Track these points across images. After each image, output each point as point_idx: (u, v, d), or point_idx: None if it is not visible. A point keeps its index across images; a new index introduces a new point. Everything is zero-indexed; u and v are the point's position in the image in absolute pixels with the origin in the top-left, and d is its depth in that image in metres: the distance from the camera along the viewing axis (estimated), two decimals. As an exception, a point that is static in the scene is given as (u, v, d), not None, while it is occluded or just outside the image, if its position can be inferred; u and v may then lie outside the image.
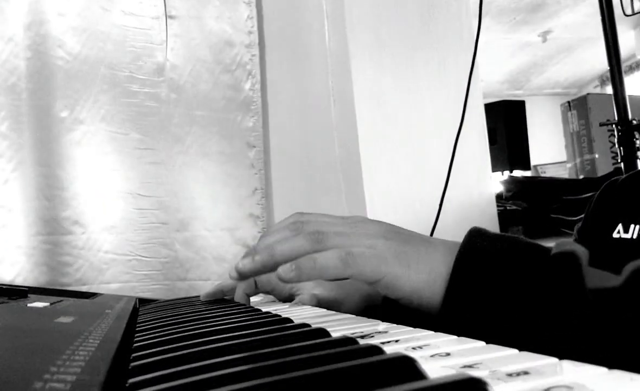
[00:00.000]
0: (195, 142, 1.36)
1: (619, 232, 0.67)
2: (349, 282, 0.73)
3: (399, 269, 0.45)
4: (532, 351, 0.28)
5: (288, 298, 0.71)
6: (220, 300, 0.77)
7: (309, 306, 0.64)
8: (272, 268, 0.46)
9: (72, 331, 0.40)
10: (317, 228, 0.48)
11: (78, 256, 1.23)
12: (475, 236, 0.45)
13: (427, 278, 0.45)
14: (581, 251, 0.42)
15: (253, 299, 0.75)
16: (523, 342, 0.40)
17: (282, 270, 0.44)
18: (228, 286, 0.75)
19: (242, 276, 0.48)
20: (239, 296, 0.71)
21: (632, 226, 0.65)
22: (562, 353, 0.35)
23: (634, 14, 0.80)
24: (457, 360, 0.27)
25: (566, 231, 1.59)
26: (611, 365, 0.23)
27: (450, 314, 0.43)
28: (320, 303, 0.67)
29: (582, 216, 0.78)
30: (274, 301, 0.75)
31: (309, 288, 0.69)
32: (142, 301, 0.88)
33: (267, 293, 0.74)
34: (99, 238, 1.25)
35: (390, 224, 0.50)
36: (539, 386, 0.21)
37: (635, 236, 0.64)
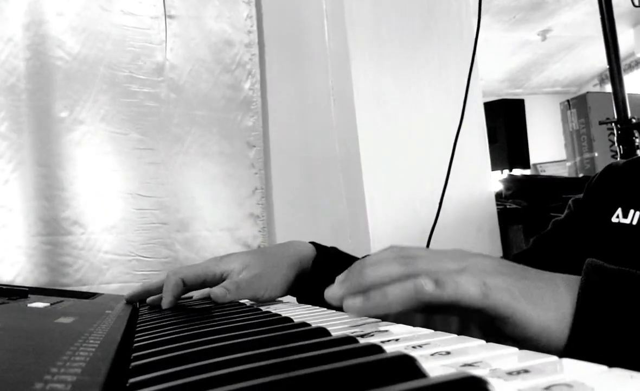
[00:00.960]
0: (195, 142, 1.36)
1: (618, 216, 0.67)
2: (276, 252, 0.73)
3: (527, 306, 0.42)
4: None
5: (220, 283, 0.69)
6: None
7: (309, 306, 0.64)
8: (382, 312, 0.43)
9: (72, 332, 0.40)
10: (429, 266, 0.44)
11: (78, 256, 1.23)
12: (593, 271, 0.43)
13: (555, 315, 0.42)
14: None
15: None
16: None
17: (425, 282, 0.41)
18: (154, 284, 0.72)
19: (348, 309, 0.44)
20: (167, 303, 0.67)
21: (631, 211, 0.65)
22: None
23: (643, 4, 0.80)
24: (458, 359, 0.27)
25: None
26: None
27: (577, 353, 0.43)
28: (241, 286, 0.67)
29: (579, 196, 0.77)
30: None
31: (236, 272, 0.68)
32: (143, 302, 0.88)
33: (199, 286, 0.71)
34: (99, 238, 1.25)
35: (496, 258, 0.47)
36: (539, 384, 0.21)
37: (635, 222, 0.64)
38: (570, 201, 0.79)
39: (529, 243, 0.78)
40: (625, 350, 0.39)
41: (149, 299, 0.74)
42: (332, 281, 0.45)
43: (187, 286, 0.69)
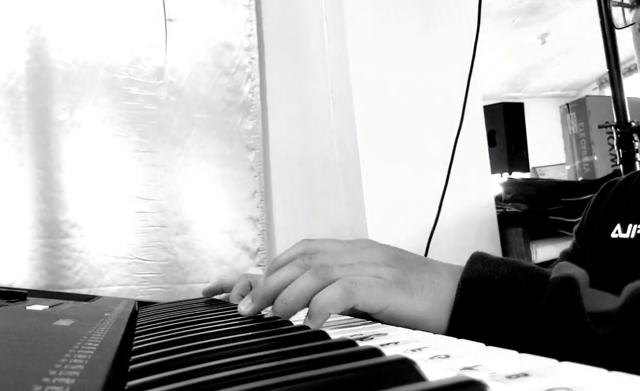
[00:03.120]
0: (195, 145, 1.36)
1: (617, 232, 0.67)
2: None
3: (403, 298, 0.45)
4: None
5: None
6: (219, 302, 0.77)
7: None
8: (288, 312, 0.49)
9: (71, 334, 0.40)
10: (323, 261, 0.49)
11: (77, 259, 1.22)
12: (477, 261, 0.46)
13: (431, 304, 0.45)
14: (580, 274, 0.42)
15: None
16: None
17: (305, 321, 0.46)
18: (227, 283, 0.77)
19: (252, 313, 0.51)
20: (234, 298, 0.73)
21: (630, 225, 0.66)
22: None
23: (626, 26, 0.80)
24: (457, 362, 0.27)
25: (565, 233, 1.59)
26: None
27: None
28: None
29: (580, 218, 0.78)
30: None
31: None
32: (142, 304, 0.88)
33: None
34: (98, 241, 1.25)
35: (396, 248, 0.51)
36: (539, 388, 0.21)
37: (633, 236, 0.64)
38: (573, 230, 0.80)
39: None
40: (501, 339, 0.40)
41: (220, 296, 0.81)
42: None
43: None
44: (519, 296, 0.42)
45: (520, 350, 0.40)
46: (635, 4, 0.74)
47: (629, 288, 0.40)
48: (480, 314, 0.43)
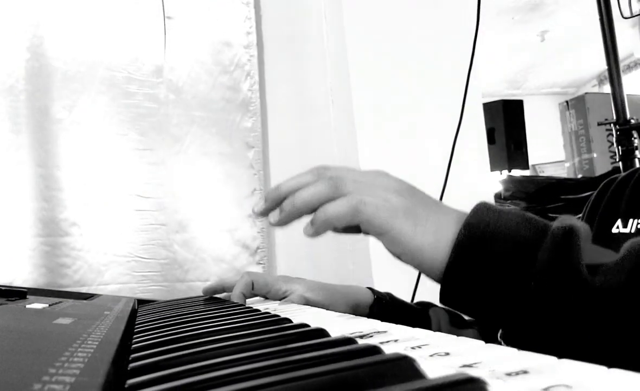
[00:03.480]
0: (194, 143, 1.36)
1: (618, 227, 0.67)
2: (337, 290, 0.75)
3: (406, 225, 0.46)
4: (525, 327, 0.28)
5: (281, 299, 0.73)
6: (219, 300, 0.77)
7: (307, 307, 0.64)
8: (296, 215, 0.50)
9: (71, 333, 0.40)
10: (336, 173, 0.50)
11: (77, 257, 1.22)
12: (482, 208, 0.45)
13: (431, 239, 0.45)
14: (582, 227, 0.42)
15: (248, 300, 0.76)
16: (516, 317, 0.40)
17: (304, 230, 0.48)
18: (229, 282, 0.78)
19: (262, 215, 0.53)
20: (236, 296, 0.73)
21: (630, 220, 0.66)
22: (555, 333, 0.35)
23: (632, 16, 0.80)
24: (457, 360, 0.27)
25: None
26: (610, 361, 0.23)
27: (450, 283, 0.44)
28: (309, 302, 0.70)
29: (581, 215, 0.78)
30: (266, 301, 0.76)
31: (300, 291, 0.71)
32: (141, 302, 0.88)
33: (262, 295, 0.76)
34: (97, 240, 1.25)
35: (409, 184, 0.52)
36: (538, 385, 0.21)
37: (634, 230, 0.65)
38: None
39: None
40: (497, 287, 0.42)
41: (222, 295, 0.81)
42: None
43: (255, 290, 0.76)
44: (521, 246, 0.42)
45: (517, 297, 0.41)
46: None
47: (627, 244, 0.40)
48: (478, 261, 0.43)
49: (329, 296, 0.73)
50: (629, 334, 0.36)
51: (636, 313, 0.36)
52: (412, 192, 0.50)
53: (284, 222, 0.51)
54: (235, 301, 0.73)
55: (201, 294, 0.84)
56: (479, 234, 0.43)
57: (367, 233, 0.48)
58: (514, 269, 0.41)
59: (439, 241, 0.45)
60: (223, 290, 0.80)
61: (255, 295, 0.77)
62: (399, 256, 0.47)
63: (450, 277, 0.44)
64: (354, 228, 0.49)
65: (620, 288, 0.37)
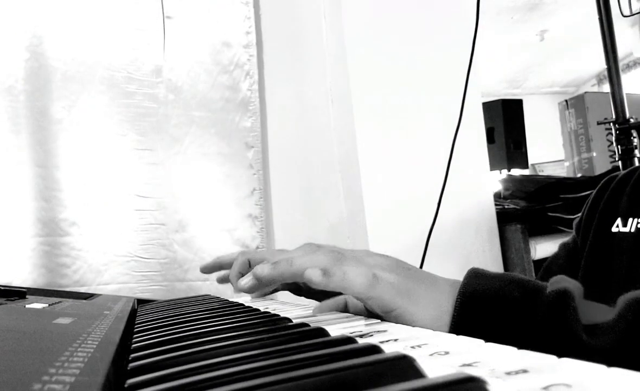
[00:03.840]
0: (194, 143, 1.36)
1: (617, 226, 0.67)
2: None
3: (409, 304, 0.46)
4: None
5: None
6: (218, 300, 0.77)
7: (307, 306, 0.64)
8: (289, 277, 0.48)
9: (70, 332, 0.40)
10: (334, 248, 0.50)
11: (76, 257, 1.22)
12: (472, 276, 0.47)
13: (433, 314, 0.46)
14: (575, 287, 0.43)
15: (246, 298, 0.76)
16: None
17: (312, 273, 0.45)
18: (226, 259, 0.77)
19: (260, 281, 0.50)
20: (233, 276, 0.72)
21: (630, 220, 0.66)
22: None
23: (632, 14, 0.80)
24: (456, 359, 0.27)
25: (564, 229, 1.59)
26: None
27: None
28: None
29: (580, 214, 0.78)
30: (266, 299, 0.76)
31: None
32: (141, 302, 0.88)
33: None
34: (97, 239, 1.25)
35: (395, 258, 0.52)
36: (538, 384, 0.21)
37: (633, 230, 0.65)
38: (573, 224, 0.81)
39: (540, 270, 0.80)
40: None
41: (218, 275, 0.78)
42: None
43: (252, 268, 0.73)
44: (514, 310, 0.43)
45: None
46: None
47: (623, 298, 0.41)
48: (478, 328, 0.44)
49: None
50: None
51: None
52: (407, 270, 0.50)
53: (273, 279, 0.50)
54: (232, 281, 0.71)
55: (201, 294, 0.84)
56: (472, 302, 0.45)
57: (371, 309, 0.48)
58: (510, 333, 0.42)
59: (440, 315, 0.46)
60: (221, 268, 0.79)
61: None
62: None
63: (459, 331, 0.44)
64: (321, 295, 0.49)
65: (616, 348, 0.38)
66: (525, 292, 0.44)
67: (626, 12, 0.86)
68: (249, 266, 0.74)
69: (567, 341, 0.39)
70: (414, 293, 0.47)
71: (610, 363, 0.37)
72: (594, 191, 0.77)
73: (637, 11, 0.75)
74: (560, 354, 0.39)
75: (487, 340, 0.42)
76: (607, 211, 0.71)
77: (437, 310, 0.46)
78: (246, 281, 0.51)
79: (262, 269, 0.50)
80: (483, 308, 0.44)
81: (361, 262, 0.48)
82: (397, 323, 0.46)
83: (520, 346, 0.41)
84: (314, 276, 0.45)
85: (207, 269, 0.80)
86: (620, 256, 0.65)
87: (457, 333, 0.44)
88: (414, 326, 0.46)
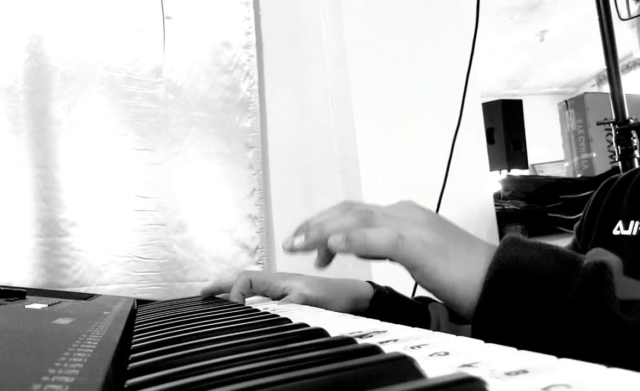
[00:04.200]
0: (193, 143, 1.36)
1: (619, 229, 0.67)
2: (336, 284, 0.75)
3: (440, 261, 0.45)
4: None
5: (280, 298, 0.73)
6: (217, 300, 0.77)
7: (306, 306, 0.64)
8: (323, 244, 0.48)
9: (70, 333, 0.40)
10: (365, 207, 0.49)
11: (76, 257, 1.22)
12: (510, 244, 0.45)
13: (464, 276, 0.45)
14: (614, 261, 0.42)
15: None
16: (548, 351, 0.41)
17: (333, 240, 0.46)
18: (226, 283, 0.77)
19: (294, 251, 0.51)
20: (234, 296, 0.73)
21: (632, 222, 0.66)
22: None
23: (630, 18, 0.80)
24: (456, 359, 0.27)
25: (564, 230, 1.59)
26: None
27: (482, 320, 0.44)
28: (308, 302, 0.69)
29: (580, 215, 0.78)
30: (265, 300, 0.76)
31: (298, 288, 0.71)
32: (141, 302, 0.88)
33: (261, 293, 0.76)
34: (97, 240, 1.25)
35: (437, 215, 0.51)
36: (538, 384, 0.21)
37: (635, 233, 0.65)
38: (574, 226, 0.80)
39: None
40: (528, 323, 0.41)
41: (220, 296, 0.80)
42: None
43: (253, 288, 0.75)
44: (550, 281, 0.42)
45: (548, 335, 0.40)
46: None
47: None
48: (510, 297, 0.43)
49: (329, 291, 0.73)
50: None
51: None
52: (443, 226, 0.49)
53: (308, 248, 0.50)
54: (233, 300, 0.73)
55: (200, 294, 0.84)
56: (507, 270, 0.43)
57: (401, 264, 0.47)
58: (544, 304, 0.41)
59: (470, 278, 0.45)
60: (220, 291, 0.80)
61: (254, 294, 0.76)
62: (431, 291, 0.47)
63: (481, 315, 0.44)
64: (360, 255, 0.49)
65: None
66: (563, 264, 0.42)
67: (624, 15, 0.86)
68: (250, 286, 0.74)
69: (600, 316, 0.39)
70: (446, 251, 0.46)
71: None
72: (595, 193, 0.77)
73: (635, 15, 0.75)
74: (591, 328, 0.38)
75: (515, 310, 0.42)
76: (608, 214, 0.70)
77: (469, 273, 0.45)
78: (289, 245, 0.51)
79: (296, 241, 0.50)
80: (517, 279, 0.43)
81: (389, 220, 0.47)
82: (424, 281, 0.46)
83: (551, 320, 0.40)
84: (336, 244, 0.46)
85: (208, 293, 0.81)
86: (622, 258, 0.65)
87: (487, 301, 0.43)
88: (441, 285, 0.45)
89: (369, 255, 0.47)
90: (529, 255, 0.43)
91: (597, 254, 0.43)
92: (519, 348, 0.32)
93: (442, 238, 0.47)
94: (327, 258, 0.54)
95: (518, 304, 0.42)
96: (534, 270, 0.42)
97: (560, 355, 0.25)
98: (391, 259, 0.47)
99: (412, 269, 0.46)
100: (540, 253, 0.44)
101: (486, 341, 0.44)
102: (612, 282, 0.40)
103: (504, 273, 0.43)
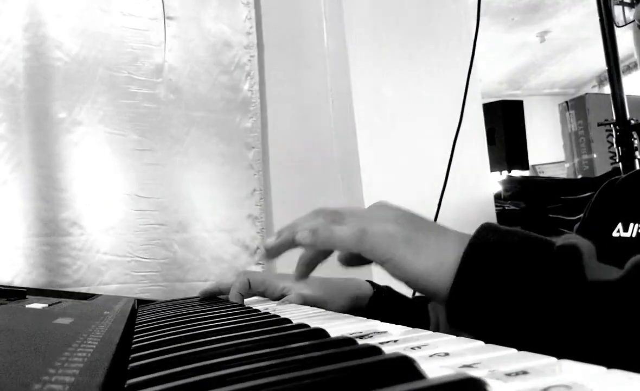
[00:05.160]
0: (194, 143, 1.36)
1: (618, 231, 0.67)
2: (335, 284, 0.75)
3: (408, 252, 0.46)
4: (530, 344, 0.28)
5: (279, 298, 0.73)
6: (218, 300, 0.77)
7: (307, 307, 0.64)
8: (292, 243, 0.51)
9: (70, 333, 0.40)
10: (334, 209, 0.52)
11: (77, 257, 1.22)
12: (487, 229, 0.46)
13: (434, 263, 0.46)
14: (584, 244, 0.42)
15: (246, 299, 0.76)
16: (522, 335, 0.41)
17: (300, 234, 0.49)
18: (225, 284, 0.77)
19: (269, 254, 0.53)
20: (233, 296, 0.73)
21: (631, 225, 0.66)
22: (561, 348, 0.35)
23: (625, 24, 0.80)
24: (456, 360, 0.27)
25: (565, 231, 1.59)
26: (610, 364, 0.23)
27: (457, 304, 0.44)
28: (307, 302, 0.69)
29: (581, 216, 0.78)
30: (264, 301, 0.76)
31: (297, 289, 0.71)
32: (141, 302, 0.88)
33: (260, 293, 0.76)
34: (97, 239, 1.25)
35: (406, 210, 0.52)
36: (538, 385, 0.21)
37: (634, 235, 0.64)
38: (574, 229, 0.80)
39: None
40: (502, 305, 0.42)
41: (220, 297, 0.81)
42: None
43: (252, 288, 0.76)
44: (524, 262, 0.42)
45: (521, 314, 0.41)
46: (635, 1, 0.74)
47: (633, 259, 0.40)
48: (483, 280, 0.43)
49: (328, 291, 0.73)
50: (630, 347, 0.37)
51: (633, 330, 0.37)
52: (410, 220, 0.50)
53: (281, 248, 0.52)
54: (232, 301, 0.73)
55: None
56: (483, 254, 0.44)
57: (370, 262, 0.49)
58: (518, 288, 0.42)
59: (442, 264, 0.46)
60: (220, 293, 0.80)
61: (253, 294, 0.77)
62: (405, 282, 0.48)
63: (456, 297, 0.44)
64: (359, 261, 0.51)
65: (618, 305, 0.38)
66: (536, 246, 0.43)
67: (620, 22, 0.86)
68: (249, 286, 0.75)
69: (570, 294, 0.39)
70: (415, 242, 0.47)
71: (611, 321, 0.37)
72: (595, 195, 0.77)
73: (631, 20, 0.75)
74: (561, 306, 0.39)
75: (489, 292, 0.43)
76: (608, 216, 0.70)
77: (440, 260, 0.46)
78: (269, 242, 0.53)
79: (268, 241, 0.53)
80: (492, 259, 0.43)
81: (356, 218, 0.49)
82: (395, 272, 0.47)
83: (523, 301, 0.41)
84: (302, 238, 0.49)
85: (207, 295, 0.81)
86: (621, 261, 0.65)
87: (462, 281, 0.44)
88: (413, 275, 0.46)
89: (335, 249, 0.50)
90: (504, 238, 0.44)
91: (569, 237, 0.43)
92: (490, 330, 0.32)
93: (409, 230, 0.48)
94: (305, 268, 0.56)
95: (492, 286, 0.43)
96: (509, 251, 0.43)
97: (560, 356, 0.25)
98: (364, 259, 0.49)
99: (381, 262, 0.47)
100: (515, 237, 0.45)
101: (461, 325, 0.45)
102: (581, 263, 0.40)
103: (479, 253, 0.44)
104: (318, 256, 0.55)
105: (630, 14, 0.77)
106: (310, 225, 0.50)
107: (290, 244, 0.51)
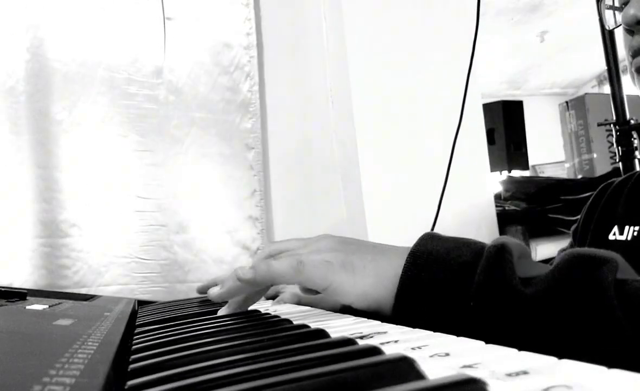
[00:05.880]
0: (194, 144, 1.36)
1: (614, 233, 0.67)
2: None
3: (344, 275, 0.48)
4: (495, 338, 0.29)
5: (273, 298, 0.73)
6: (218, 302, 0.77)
7: (308, 307, 0.64)
8: (235, 288, 0.54)
9: (71, 334, 0.40)
10: (276, 246, 0.55)
11: (77, 258, 1.22)
12: (426, 237, 0.48)
13: (373, 281, 0.48)
14: (515, 244, 0.44)
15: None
16: (467, 329, 0.42)
17: (241, 271, 0.52)
18: (222, 280, 0.77)
19: (216, 301, 0.57)
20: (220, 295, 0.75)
21: (627, 227, 0.66)
22: (496, 339, 0.36)
23: (616, 27, 0.81)
24: (457, 360, 0.27)
25: (564, 231, 1.59)
26: (611, 364, 0.23)
27: (402, 312, 0.46)
28: (301, 302, 0.70)
29: (579, 217, 0.78)
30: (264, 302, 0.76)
31: (292, 288, 0.72)
32: (141, 303, 0.88)
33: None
34: (97, 241, 1.25)
35: (346, 238, 0.55)
36: (538, 385, 0.21)
37: (630, 238, 0.65)
38: (571, 230, 0.81)
39: None
40: (443, 308, 0.44)
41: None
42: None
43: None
44: (461, 267, 0.44)
45: (461, 316, 0.43)
46: (622, 6, 0.74)
47: (563, 253, 0.42)
48: (424, 286, 0.45)
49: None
50: (559, 337, 0.38)
51: (560, 320, 0.38)
52: (345, 245, 0.52)
53: (224, 296, 0.56)
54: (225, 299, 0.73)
55: (201, 295, 0.84)
56: (422, 261, 0.46)
57: (312, 288, 0.51)
58: (455, 290, 0.43)
59: (381, 280, 0.48)
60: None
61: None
62: (349, 304, 0.50)
63: (400, 305, 0.46)
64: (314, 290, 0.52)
65: (547, 297, 0.39)
66: (472, 252, 0.45)
67: (610, 25, 0.86)
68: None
69: (502, 290, 0.41)
70: (351, 265, 0.49)
71: (540, 310, 0.38)
72: (591, 197, 0.77)
73: (620, 24, 0.75)
74: (494, 302, 0.41)
75: (431, 299, 0.44)
76: (604, 218, 0.70)
77: (378, 276, 0.48)
78: (215, 292, 0.57)
79: (212, 292, 0.57)
80: (432, 267, 0.45)
81: (294, 252, 0.52)
82: (337, 296, 0.49)
83: (463, 303, 0.43)
84: (242, 274, 0.51)
85: (204, 291, 0.81)
86: None
87: (403, 293, 0.46)
88: (353, 296, 0.48)
89: (275, 283, 0.53)
90: (443, 247, 0.46)
91: (500, 238, 0.45)
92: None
93: (344, 255, 0.50)
94: (243, 302, 0.58)
95: (433, 290, 0.45)
96: (448, 259, 0.45)
97: (560, 356, 0.25)
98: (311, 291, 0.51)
99: (322, 290, 0.49)
100: (453, 244, 0.47)
101: (410, 325, 0.46)
102: (511, 260, 0.42)
103: (420, 262, 0.46)
104: (254, 296, 0.58)
105: (619, 17, 0.77)
106: (251, 265, 0.52)
107: (237, 289, 0.54)
